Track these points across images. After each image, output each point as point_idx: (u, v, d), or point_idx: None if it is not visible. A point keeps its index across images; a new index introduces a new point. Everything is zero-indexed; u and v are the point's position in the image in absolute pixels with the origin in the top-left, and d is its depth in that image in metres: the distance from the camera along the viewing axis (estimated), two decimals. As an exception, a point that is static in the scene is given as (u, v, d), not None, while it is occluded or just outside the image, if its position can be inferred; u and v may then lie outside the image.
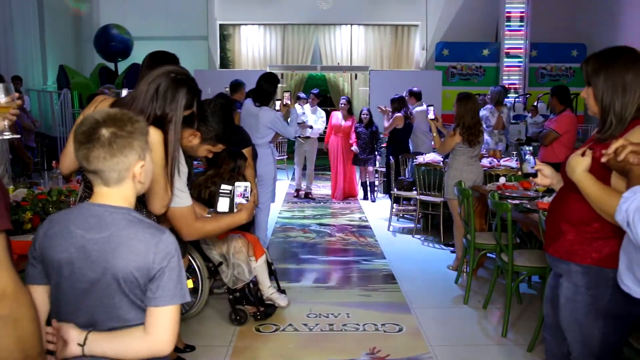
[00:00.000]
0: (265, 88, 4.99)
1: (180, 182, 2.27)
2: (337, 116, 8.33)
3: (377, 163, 8.40)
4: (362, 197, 8.51)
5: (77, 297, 1.48)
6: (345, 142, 8.23)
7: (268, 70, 12.83)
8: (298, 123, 7.09)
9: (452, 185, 4.71)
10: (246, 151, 4.21)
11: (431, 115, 5.14)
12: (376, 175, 8.72)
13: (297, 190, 8.74)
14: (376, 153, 8.13)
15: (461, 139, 4.73)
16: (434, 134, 5.13)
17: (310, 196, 8.55)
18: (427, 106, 5.47)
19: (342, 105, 8.27)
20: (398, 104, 7.44)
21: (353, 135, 8.05)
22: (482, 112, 6.91)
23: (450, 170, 4.91)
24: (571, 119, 5.46)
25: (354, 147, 8.04)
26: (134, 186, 1.53)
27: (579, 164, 1.94)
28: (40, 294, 1.53)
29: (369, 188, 8.40)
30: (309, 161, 8.55)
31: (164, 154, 2.09)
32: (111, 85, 8.59)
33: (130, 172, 1.49)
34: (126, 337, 1.45)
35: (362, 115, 8.08)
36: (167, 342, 1.44)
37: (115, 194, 1.50)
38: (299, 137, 8.24)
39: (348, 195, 8.50)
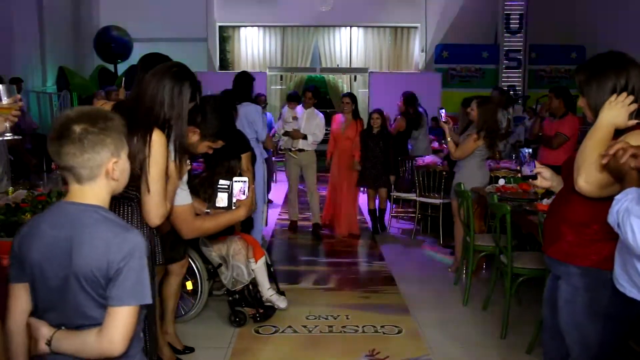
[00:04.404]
0: (240, 85, 5.10)
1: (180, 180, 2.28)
2: (338, 120, 6.39)
3: (392, 185, 6.38)
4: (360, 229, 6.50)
5: (48, 295, 1.49)
6: (347, 157, 6.28)
7: (267, 72, 12.92)
8: (287, 132, 6.24)
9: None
10: (245, 156, 4.21)
11: (444, 118, 5.00)
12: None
13: (292, 222, 6.59)
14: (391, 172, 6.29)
15: (483, 142, 4.70)
16: (448, 139, 4.89)
17: (318, 232, 6.36)
18: (439, 109, 5.32)
19: (344, 104, 6.29)
20: (410, 102, 6.92)
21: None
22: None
23: (462, 172, 4.79)
24: (576, 122, 5.43)
25: (355, 163, 6.22)
26: (108, 184, 1.52)
27: (614, 116, 1.92)
28: (24, 291, 1.55)
29: (377, 216, 6.49)
30: (308, 183, 6.41)
31: (166, 157, 2.10)
32: (112, 88, 8.56)
33: (102, 169, 1.49)
34: (84, 336, 1.46)
35: (372, 120, 6.25)
36: (117, 343, 1.42)
37: (87, 191, 1.50)
38: (290, 149, 6.35)
39: (347, 230, 6.31)
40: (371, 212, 6.51)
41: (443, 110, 5.13)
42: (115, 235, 1.45)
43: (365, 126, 6.34)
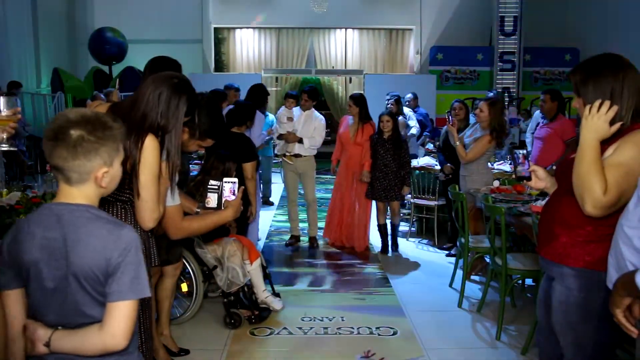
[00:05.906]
0: (256, 94, 5.57)
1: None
2: (346, 123, 5.75)
3: (409, 195, 5.88)
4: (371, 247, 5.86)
5: (45, 297, 1.49)
6: (357, 164, 5.62)
7: (262, 74, 12.92)
8: (281, 135, 5.79)
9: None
10: (250, 165, 4.19)
11: (451, 122, 4.94)
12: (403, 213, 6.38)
13: (293, 237, 5.98)
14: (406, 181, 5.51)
15: (495, 142, 4.73)
16: (457, 143, 4.80)
17: (316, 245, 5.89)
18: (447, 112, 5.21)
19: (350, 108, 5.63)
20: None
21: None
22: None
23: (474, 176, 4.78)
24: (571, 124, 5.46)
25: (365, 173, 5.52)
26: (97, 188, 1.54)
27: (594, 130, 1.90)
28: (14, 297, 1.55)
29: (390, 232, 5.75)
30: (307, 194, 5.85)
31: (159, 162, 2.09)
32: (111, 90, 8.54)
33: (91, 176, 1.50)
34: (84, 334, 1.46)
35: (382, 124, 5.43)
36: (119, 338, 1.44)
37: (76, 192, 1.51)
38: (285, 155, 5.79)
39: (364, 244, 5.77)
40: (381, 227, 5.70)
41: (451, 115, 5.14)
42: (109, 232, 1.46)
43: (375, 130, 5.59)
